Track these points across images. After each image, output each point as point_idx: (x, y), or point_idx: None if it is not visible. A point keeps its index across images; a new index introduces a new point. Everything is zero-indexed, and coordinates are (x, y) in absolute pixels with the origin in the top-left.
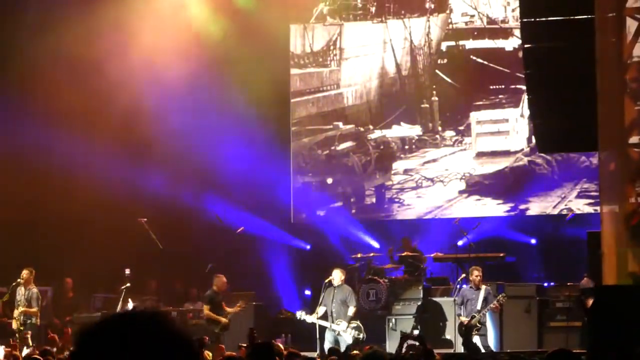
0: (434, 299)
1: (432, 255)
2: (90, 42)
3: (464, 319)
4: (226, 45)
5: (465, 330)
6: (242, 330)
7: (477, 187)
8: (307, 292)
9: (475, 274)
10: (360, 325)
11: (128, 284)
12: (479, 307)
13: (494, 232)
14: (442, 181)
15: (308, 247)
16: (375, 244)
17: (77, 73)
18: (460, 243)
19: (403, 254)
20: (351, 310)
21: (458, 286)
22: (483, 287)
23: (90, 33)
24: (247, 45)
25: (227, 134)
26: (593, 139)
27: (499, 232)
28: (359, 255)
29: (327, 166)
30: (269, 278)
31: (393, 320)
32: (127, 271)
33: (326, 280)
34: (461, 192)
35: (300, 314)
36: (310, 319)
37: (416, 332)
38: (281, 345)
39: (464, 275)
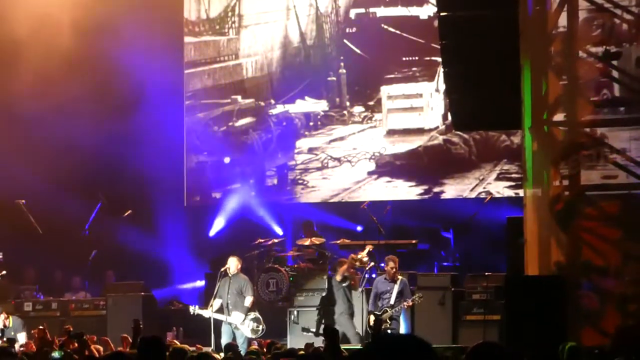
0: (342, 285)
1: (337, 242)
2: None
3: (376, 313)
4: (111, 9)
5: (375, 325)
6: (128, 322)
7: (388, 167)
8: (201, 283)
9: (391, 265)
10: (259, 316)
11: (4, 272)
12: (392, 301)
13: (406, 217)
14: (349, 161)
15: (203, 232)
16: (278, 230)
17: None
18: (360, 229)
19: (305, 241)
20: (247, 301)
21: (367, 275)
22: (399, 278)
23: None
24: (135, 9)
25: (113, 108)
26: (514, 117)
27: (411, 217)
28: (258, 242)
29: (224, 144)
30: (159, 267)
31: (295, 312)
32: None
33: (221, 270)
34: (370, 174)
35: (194, 309)
36: (206, 313)
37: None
38: (176, 341)
39: (372, 263)
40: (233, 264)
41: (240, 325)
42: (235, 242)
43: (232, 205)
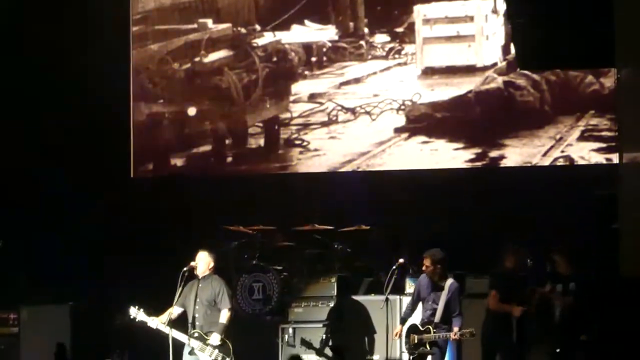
0: (357, 297)
1: (351, 228)
2: None
3: (419, 328)
4: None
5: (415, 347)
6: (49, 345)
7: (423, 122)
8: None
9: (426, 263)
10: (228, 343)
11: None
12: (437, 317)
13: (450, 193)
14: (368, 113)
15: (159, 217)
16: (265, 212)
17: None
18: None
19: (303, 228)
20: (224, 316)
21: (396, 277)
22: (448, 282)
23: None
24: None
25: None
26: (606, 49)
27: (456, 193)
28: (237, 229)
29: (188, 88)
30: (97, 268)
31: (290, 330)
32: None
33: (185, 269)
34: (399, 131)
35: (155, 322)
36: (156, 324)
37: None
38: None
39: (401, 260)
40: (203, 261)
41: (199, 352)
42: (203, 230)
43: (200, 176)
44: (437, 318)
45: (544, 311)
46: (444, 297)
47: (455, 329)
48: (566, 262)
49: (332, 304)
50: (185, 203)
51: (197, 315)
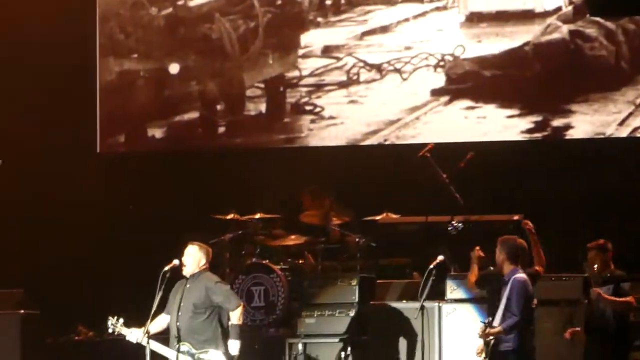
0: (388, 303)
1: (377, 217)
2: None
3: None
4: None
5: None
6: None
7: (469, 82)
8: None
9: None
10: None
11: None
12: (498, 319)
13: (504, 174)
14: (399, 71)
15: (134, 203)
16: (267, 199)
17: None
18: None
19: (314, 218)
20: (235, 315)
21: (433, 278)
22: (514, 275)
23: None
24: None
25: None
26: None
27: (513, 173)
28: (232, 218)
29: (170, 40)
30: (55, 264)
31: (299, 346)
32: None
33: (166, 268)
34: (437, 94)
35: (114, 324)
36: (135, 338)
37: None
38: None
39: (440, 258)
40: (192, 257)
41: None
42: (190, 217)
43: (184, 152)
44: (496, 320)
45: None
46: (505, 293)
47: (495, 329)
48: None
49: (352, 313)
50: (165, 185)
51: (179, 324)
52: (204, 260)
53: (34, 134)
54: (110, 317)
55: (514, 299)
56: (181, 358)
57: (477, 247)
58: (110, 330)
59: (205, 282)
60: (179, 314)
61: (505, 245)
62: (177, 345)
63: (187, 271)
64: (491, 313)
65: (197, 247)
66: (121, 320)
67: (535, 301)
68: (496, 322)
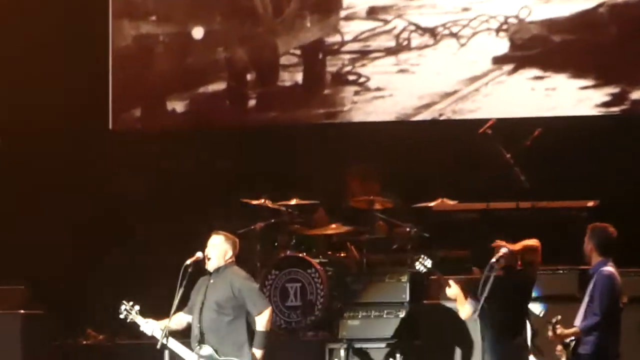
0: (443, 302)
1: (431, 204)
2: None
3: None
4: None
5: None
6: None
7: (536, 49)
8: None
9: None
10: None
11: None
12: (579, 315)
13: (576, 154)
14: (455, 36)
15: (151, 187)
16: (303, 183)
17: None
18: None
19: (361, 202)
20: (261, 322)
21: (495, 274)
22: (600, 269)
23: None
24: None
25: None
26: None
27: (586, 153)
28: (263, 203)
29: (193, 0)
30: (60, 256)
31: (342, 353)
32: None
33: (187, 262)
34: (500, 62)
35: (129, 310)
36: (151, 330)
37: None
38: None
39: (503, 250)
40: (217, 249)
41: None
42: (215, 206)
43: (208, 129)
44: (577, 319)
45: None
46: (589, 288)
47: (570, 330)
48: None
49: (402, 314)
50: (186, 167)
51: (203, 325)
52: (230, 253)
53: (36, 108)
54: (124, 302)
55: (597, 295)
56: None
57: (449, 281)
58: (122, 316)
59: (231, 278)
60: (202, 313)
61: (594, 233)
62: (198, 347)
63: (211, 265)
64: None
65: (223, 237)
66: (137, 307)
67: (625, 298)
68: (577, 321)
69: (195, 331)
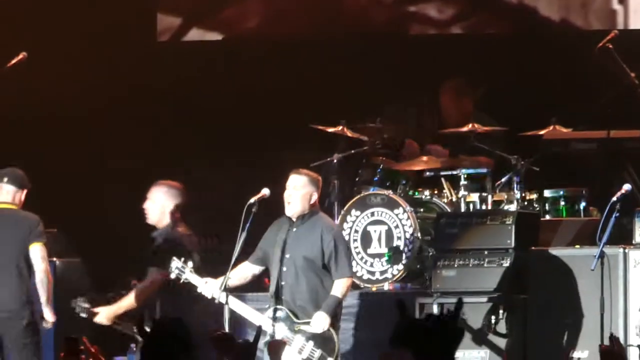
0: (555, 249)
1: (540, 131)
2: None
3: None
4: None
5: None
6: None
7: None
8: None
9: None
10: (333, 334)
11: None
12: None
13: None
14: None
15: (208, 109)
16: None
17: None
18: None
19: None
20: (338, 287)
21: (617, 215)
22: None
23: None
24: None
25: None
26: None
27: None
28: (341, 131)
29: None
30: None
31: (435, 308)
32: None
33: (251, 200)
34: None
35: (182, 268)
36: (211, 291)
37: None
38: None
39: (626, 187)
40: (301, 191)
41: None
42: (284, 134)
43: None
44: None
45: None
46: None
47: None
48: None
49: (506, 263)
50: (252, 86)
51: (283, 283)
52: (315, 196)
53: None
54: (175, 258)
55: None
56: (275, 327)
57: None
58: (173, 276)
59: (322, 228)
60: (283, 268)
61: None
62: (273, 309)
63: (292, 210)
64: None
65: (307, 178)
66: (190, 264)
67: None
68: None
69: (273, 288)
